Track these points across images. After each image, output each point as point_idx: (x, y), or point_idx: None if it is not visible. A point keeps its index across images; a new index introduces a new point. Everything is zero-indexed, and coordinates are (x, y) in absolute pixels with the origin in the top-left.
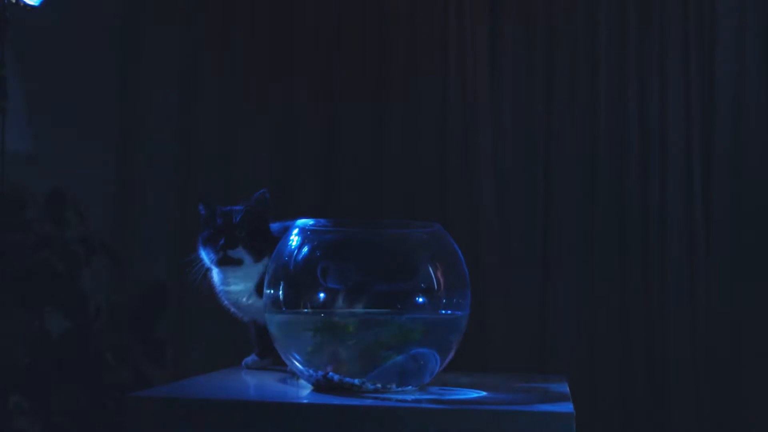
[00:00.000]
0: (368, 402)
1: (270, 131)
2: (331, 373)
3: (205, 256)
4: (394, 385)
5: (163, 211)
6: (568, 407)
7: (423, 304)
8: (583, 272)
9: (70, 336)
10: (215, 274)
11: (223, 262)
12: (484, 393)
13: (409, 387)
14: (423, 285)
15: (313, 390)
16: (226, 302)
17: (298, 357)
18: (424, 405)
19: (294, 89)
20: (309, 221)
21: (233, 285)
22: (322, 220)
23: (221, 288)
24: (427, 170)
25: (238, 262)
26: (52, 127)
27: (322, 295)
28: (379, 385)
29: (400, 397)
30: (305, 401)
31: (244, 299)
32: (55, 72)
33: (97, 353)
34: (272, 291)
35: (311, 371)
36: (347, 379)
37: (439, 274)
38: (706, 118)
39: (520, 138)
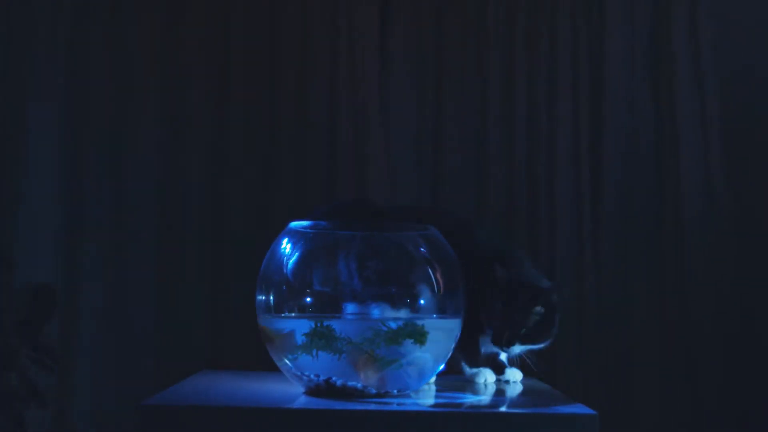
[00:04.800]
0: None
1: (158, 129)
2: (333, 378)
3: None
4: (394, 390)
5: (50, 212)
6: (585, 408)
7: (421, 308)
8: None
9: None
10: None
11: None
12: (487, 396)
13: (407, 391)
14: (421, 289)
15: (307, 394)
16: None
17: (295, 362)
18: (446, 410)
19: (183, 88)
20: (303, 222)
21: None
22: (321, 222)
23: None
24: (316, 174)
25: None
26: None
27: (319, 299)
28: (380, 390)
29: (401, 400)
30: (311, 407)
31: None
32: None
33: None
34: (267, 296)
35: (312, 376)
36: (350, 384)
37: (438, 276)
38: (594, 129)
39: (410, 142)
